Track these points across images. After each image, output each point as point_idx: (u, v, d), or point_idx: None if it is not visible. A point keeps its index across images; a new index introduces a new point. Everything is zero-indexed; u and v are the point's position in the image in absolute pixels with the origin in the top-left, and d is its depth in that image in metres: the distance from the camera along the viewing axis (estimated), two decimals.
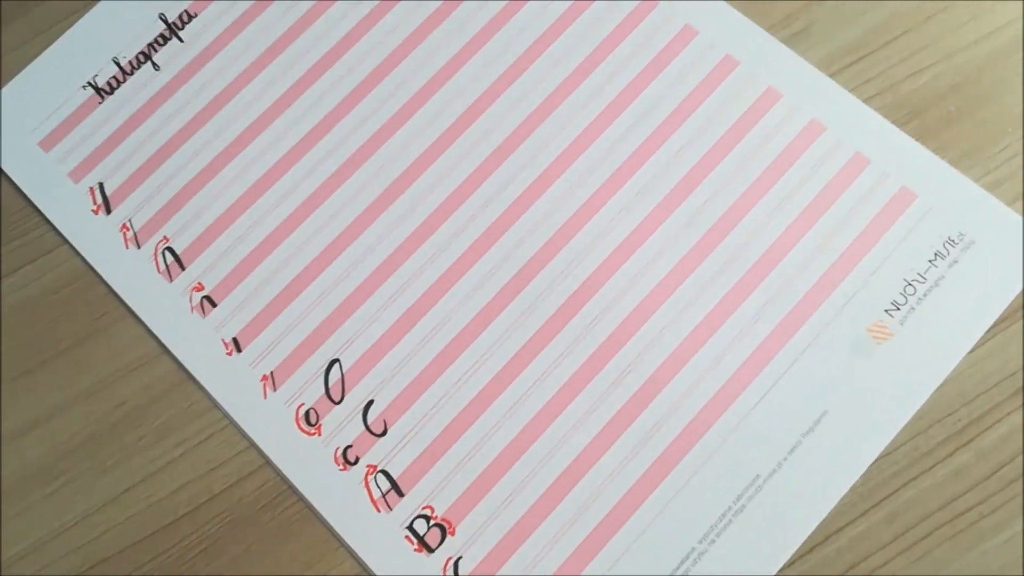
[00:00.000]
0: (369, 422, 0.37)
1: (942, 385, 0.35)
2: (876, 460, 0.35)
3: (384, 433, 0.37)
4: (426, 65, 0.41)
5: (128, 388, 0.38)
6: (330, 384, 0.37)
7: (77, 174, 0.41)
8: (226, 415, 0.38)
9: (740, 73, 0.39)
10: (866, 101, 0.39)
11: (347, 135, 0.40)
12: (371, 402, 0.37)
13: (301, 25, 0.42)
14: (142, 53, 0.42)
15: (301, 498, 0.36)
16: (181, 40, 0.42)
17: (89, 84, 0.42)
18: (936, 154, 0.38)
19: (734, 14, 0.40)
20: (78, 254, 0.40)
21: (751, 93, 0.39)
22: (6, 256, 0.41)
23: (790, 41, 0.40)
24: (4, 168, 0.41)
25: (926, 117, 0.39)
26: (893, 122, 0.38)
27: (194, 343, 0.38)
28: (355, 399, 0.37)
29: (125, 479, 0.38)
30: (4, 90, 0.42)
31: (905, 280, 0.37)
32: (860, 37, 0.40)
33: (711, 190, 0.38)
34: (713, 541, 0.34)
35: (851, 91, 0.39)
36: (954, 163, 0.38)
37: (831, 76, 0.39)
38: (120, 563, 0.37)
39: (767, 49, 0.40)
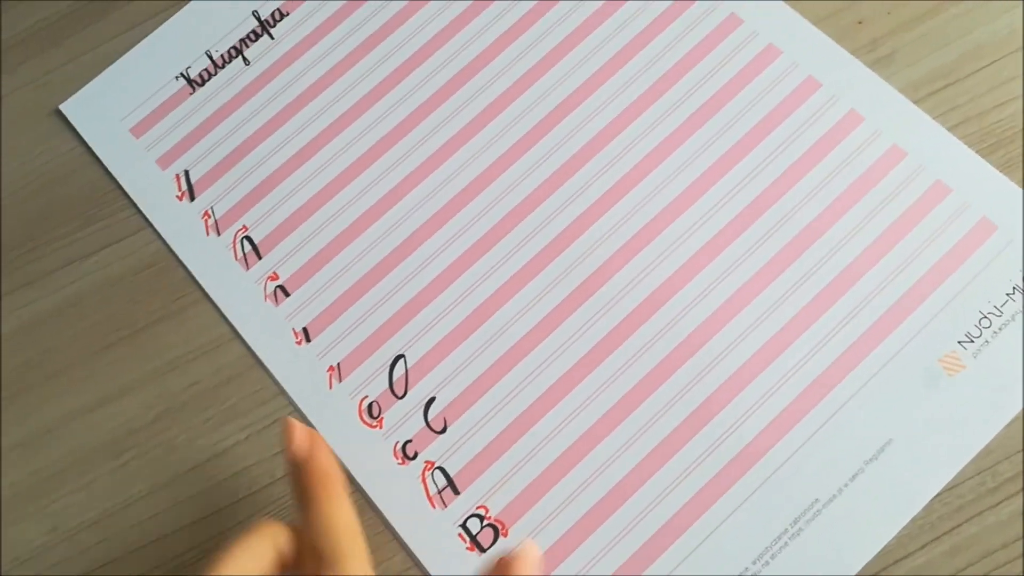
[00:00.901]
0: (430, 418, 0.37)
1: (1012, 421, 0.35)
2: (940, 493, 0.34)
3: (444, 430, 0.37)
4: (507, 71, 0.42)
5: (200, 370, 0.40)
6: (394, 379, 0.38)
7: (165, 160, 0.42)
8: (291, 402, 0.39)
9: (822, 94, 0.39)
10: (950, 129, 0.38)
11: (425, 137, 0.41)
12: (433, 399, 0.37)
13: (388, 28, 0.43)
14: (234, 48, 0.44)
15: (358, 488, 0.37)
16: (272, 37, 0.44)
17: (182, 75, 0.44)
18: (1020, 186, 0.37)
19: (819, 36, 0.40)
20: (160, 238, 0.41)
21: (833, 115, 0.39)
22: (92, 236, 0.42)
23: (875, 65, 0.40)
24: (96, 151, 0.43)
25: (1011, 148, 0.38)
26: (977, 152, 0.38)
27: (265, 330, 0.39)
28: (417, 395, 0.38)
29: (190, 458, 0.39)
30: (100, 77, 0.44)
31: (981, 312, 0.36)
32: (947, 65, 0.39)
33: (788, 208, 0.38)
34: (767, 563, 0.34)
35: (935, 118, 0.38)
36: None
37: (916, 103, 0.39)
38: (180, 540, 0.38)
39: (851, 72, 0.39)
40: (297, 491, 0.32)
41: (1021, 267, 0.36)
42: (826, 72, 0.39)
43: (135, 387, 0.40)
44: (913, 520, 0.34)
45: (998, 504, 0.34)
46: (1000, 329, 0.36)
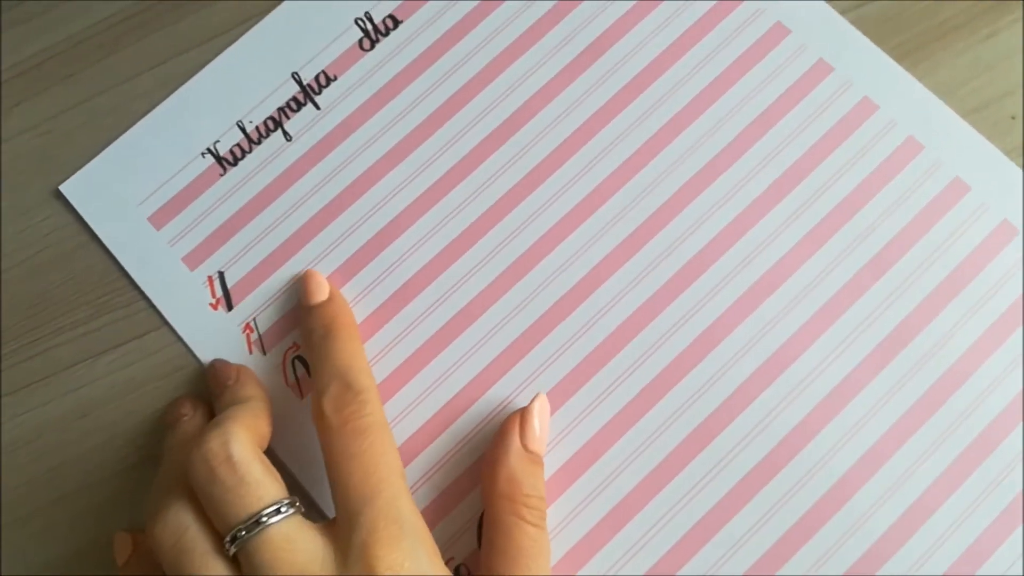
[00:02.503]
0: None
1: None
2: None
3: None
4: (588, 173, 0.35)
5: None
6: None
7: (193, 259, 0.35)
8: None
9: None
10: None
11: (494, 249, 0.35)
12: None
13: (466, 94, 0.36)
14: (271, 119, 0.36)
15: None
16: (318, 107, 0.36)
17: (209, 151, 0.36)
18: None
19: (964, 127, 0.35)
20: (195, 357, 0.35)
21: (984, 225, 0.34)
22: (106, 329, 0.35)
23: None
24: (109, 247, 0.36)
25: None
26: None
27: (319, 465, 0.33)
28: None
29: None
30: (108, 151, 0.37)
31: None
32: None
33: (941, 333, 0.33)
34: None
35: None
36: None
37: None
38: None
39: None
40: (318, 330, 0.32)
41: None
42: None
43: None
44: None
45: None
46: None
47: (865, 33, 0.36)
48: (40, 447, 0.35)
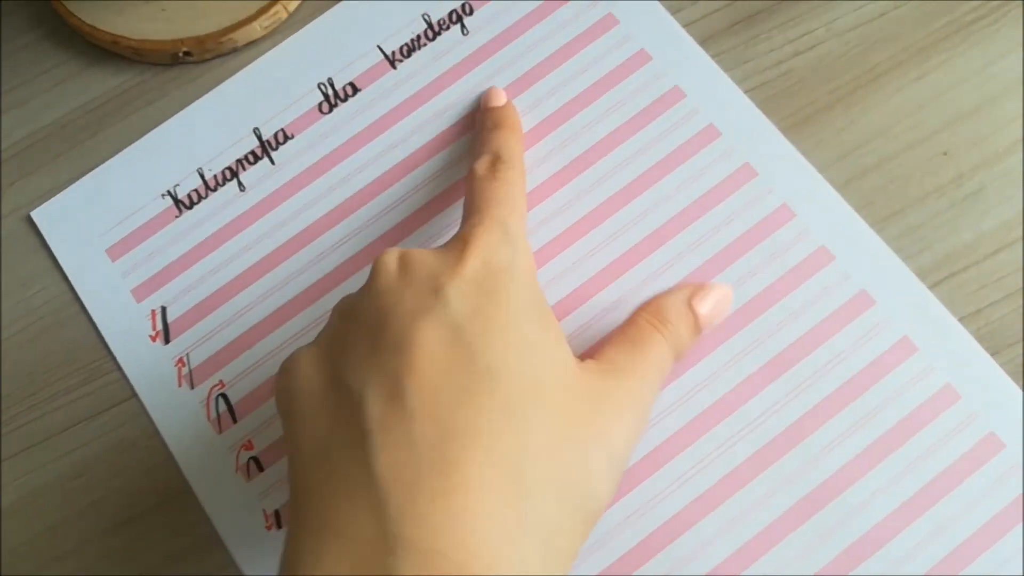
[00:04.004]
0: None
1: None
2: None
3: None
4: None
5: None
6: None
7: (141, 292, 0.38)
8: None
9: (876, 313, 0.35)
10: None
11: None
12: None
13: (408, 164, 0.39)
14: (229, 169, 0.39)
15: None
16: (272, 162, 0.39)
17: (168, 193, 0.39)
18: None
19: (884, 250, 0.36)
20: (129, 384, 0.37)
21: (887, 339, 0.35)
22: (99, 391, 0.38)
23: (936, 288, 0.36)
24: (65, 269, 0.39)
25: None
26: None
27: (233, 508, 0.35)
28: None
29: None
30: (78, 184, 0.40)
31: None
32: None
33: (823, 444, 0.34)
34: None
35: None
36: None
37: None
38: None
39: (910, 296, 0.36)
40: (487, 123, 0.37)
41: None
42: (883, 290, 0.36)
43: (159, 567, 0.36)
44: None
45: None
46: None
47: (795, 83, 0.39)
48: (39, 507, 0.37)
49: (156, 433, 0.37)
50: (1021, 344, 0.35)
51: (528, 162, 0.37)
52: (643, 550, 0.33)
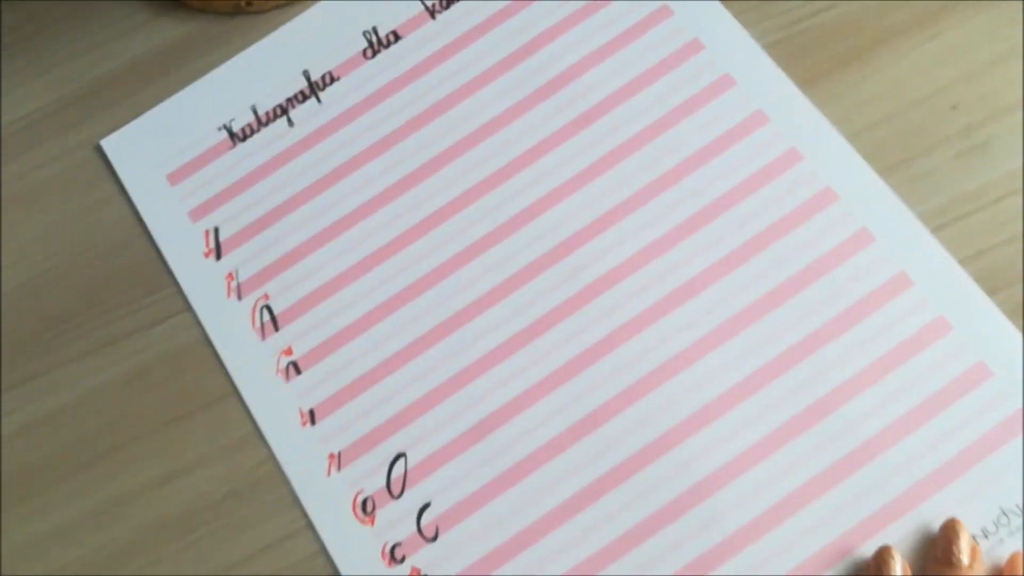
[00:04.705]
0: (423, 525, 0.37)
1: None
2: None
3: (435, 539, 0.37)
4: (569, 162, 0.41)
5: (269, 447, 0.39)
6: (392, 477, 0.38)
7: (197, 214, 0.42)
8: (286, 480, 0.38)
9: (875, 249, 0.38)
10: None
11: (462, 228, 0.40)
12: (428, 504, 0.37)
13: (440, 107, 0.42)
14: (280, 106, 0.43)
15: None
16: (319, 101, 0.43)
17: (224, 127, 0.43)
18: None
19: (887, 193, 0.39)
20: (183, 294, 0.41)
21: (883, 273, 0.37)
22: (159, 304, 0.41)
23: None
24: (129, 193, 0.43)
25: None
26: None
27: (273, 405, 0.39)
28: (413, 498, 0.37)
29: (262, 538, 0.38)
30: (143, 117, 0.44)
31: (1001, 509, 0.34)
32: None
33: (821, 365, 0.37)
34: None
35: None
36: None
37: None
38: None
39: (909, 234, 0.38)
40: None
41: None
42: (881, 226, 0.38)
43: (205, 463, 0.39)
44: None
45: None
46: (1017, 529, 0.34)
47: (814, 39, 0.41)
48: (98, 406, 0.40)
49: (207, 341, 0.40)
50: (1019, 285, 0.37)
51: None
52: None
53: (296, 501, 0.38)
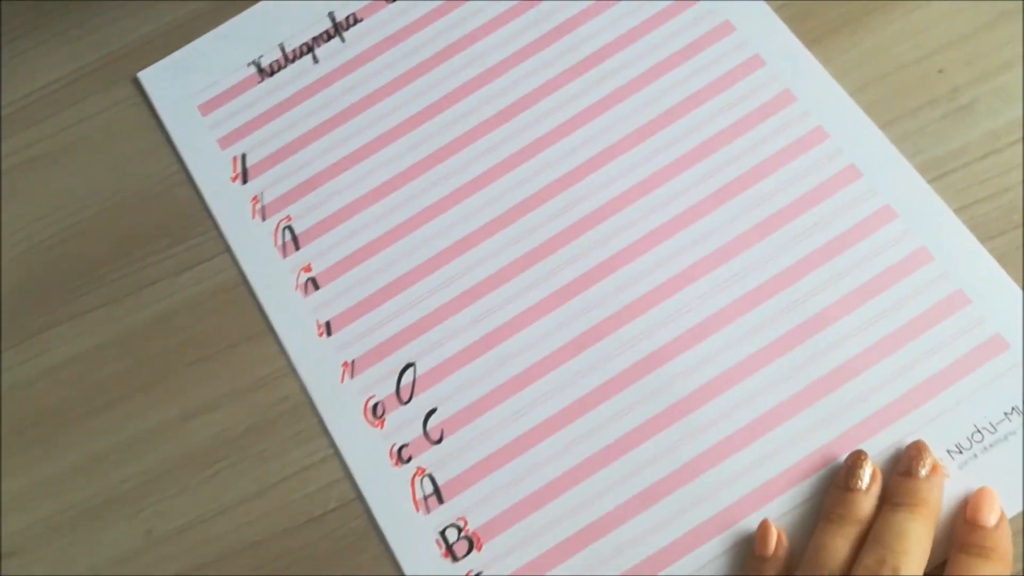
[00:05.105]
0: (428, 428, 0.39)
1: None
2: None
3: (440, 441, 0.39)
4: (569, 104, 0.43)
5: (289, 386, 0.41)
6: (402, 385, 0.40)
7: (226, 141, 0.45)
8: (303, 388, 0.41)
9: (861, 185, 0.40)
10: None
11: (472, 159, 0.43)
12: (434, 410, 0.39)
13: (453, 49, 0.45)
14: (306, 45, 0.46)
15: (351, 479, 0.39)
16: (343, 40, 0.46)
17: (254, 63, 0.46)
18: None
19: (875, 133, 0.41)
20: (211, 214, 0.44)
21: (867, 207, 0.40)
22: (185, 252, 0.44)
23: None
24: (164, 121, 0.46)
25: None
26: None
27: (292, 317, 0.42)
28: (420, 404, 0.40)
29: (279, 471, 0.40)
30: (178, 53, 0.47)
31: (975, 426, 0.36)
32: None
33: (806, 290, 0.39)
34: None
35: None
36: None
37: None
38: (269, 548, 0.39)
39: (890, 166, 0.40)
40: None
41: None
42: (868, 161, 0.40)
43: (227, 400, 0.42)
44: None
45: None
46: (991, 446, 0.36)
47: (810, 7, 0.43)
48: (131, 345, 0.43)
49: (232, 286, 0.43)
50: (1000, 238, 0.39)
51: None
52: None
53: (313, 434, 0.40)
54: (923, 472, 0.35)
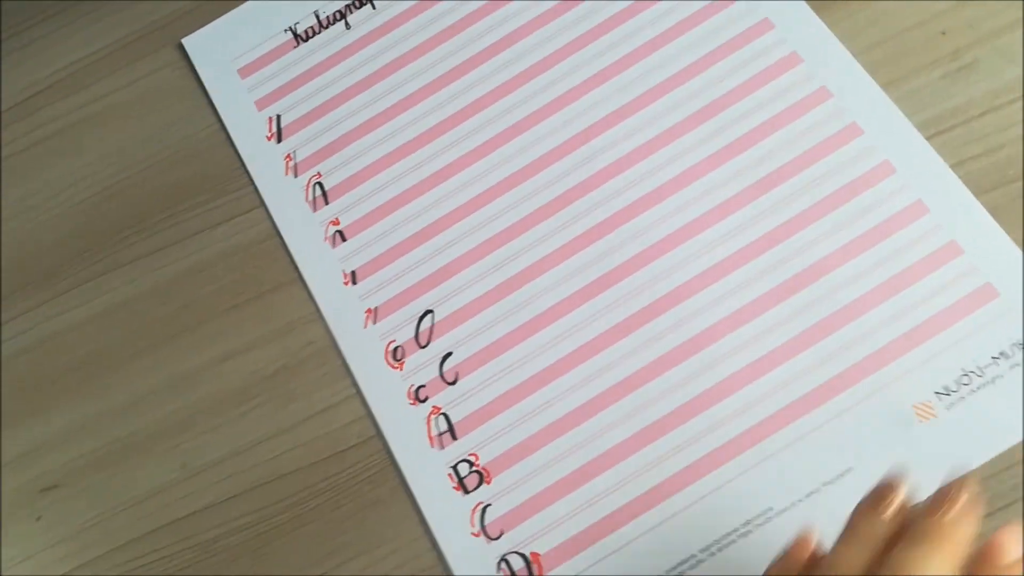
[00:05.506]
0: (444, 370, 0.42)
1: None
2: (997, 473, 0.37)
3: (454, 382, 0.42)
4: (584, 66, 0.46)
5: (316, 331, 0.44)
6: (420, 330, 0.43)
7: (263, 103, 0.48)
8: (328, 331, 0.44)
9: (861, 142, 0.41)
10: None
11: (493, 119, 0.45)
12: (450, 354, 0.42)
13: (477, 14, 0.47)
14: (339, 12, 0.49)
15: (371, 417, 0.42)
16: (374, 7, 0.48)
17: (290, 29, 0.49)
18: None
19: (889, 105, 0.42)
20: (247, 171, 0.47)
21: (867, 163, 0.41)
22: (223, 207, 0.47)
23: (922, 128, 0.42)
24: (205, 83, 0.49)
25: None
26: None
27: (320, 266, 0.45)
28: (438, 347, 0.42)
29: (307, 408, 0.43)
30: (220, 20, 0.50)
31: (963, 370, 0.38)
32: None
33: (808, 240, 0.41)
34: (713, 554, 0.37)
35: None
36: None
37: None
38: (297, 480, 0.42)
39: (890, 123, 0.42)
40: None
41: (1012, 336, 0.38)
42: (868, 119, 0.42)
43: (259, 344, 0.44)
44: None
45: None
46: (978, 388, 0.38)
47: None
48: (171, 294, 0.46)
49: (265, 237, 0.46)
50: (997, 191, 0.40)
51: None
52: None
53: (338, 376, 0.43)
54: (949, 516, 0.32)
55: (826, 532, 0.36)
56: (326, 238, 0.45)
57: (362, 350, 0.43)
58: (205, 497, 0.43)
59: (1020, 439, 0.37)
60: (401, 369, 0.42)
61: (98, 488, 0.44)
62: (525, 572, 0.38)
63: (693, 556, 0.38)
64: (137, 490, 0.43)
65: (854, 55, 0.43)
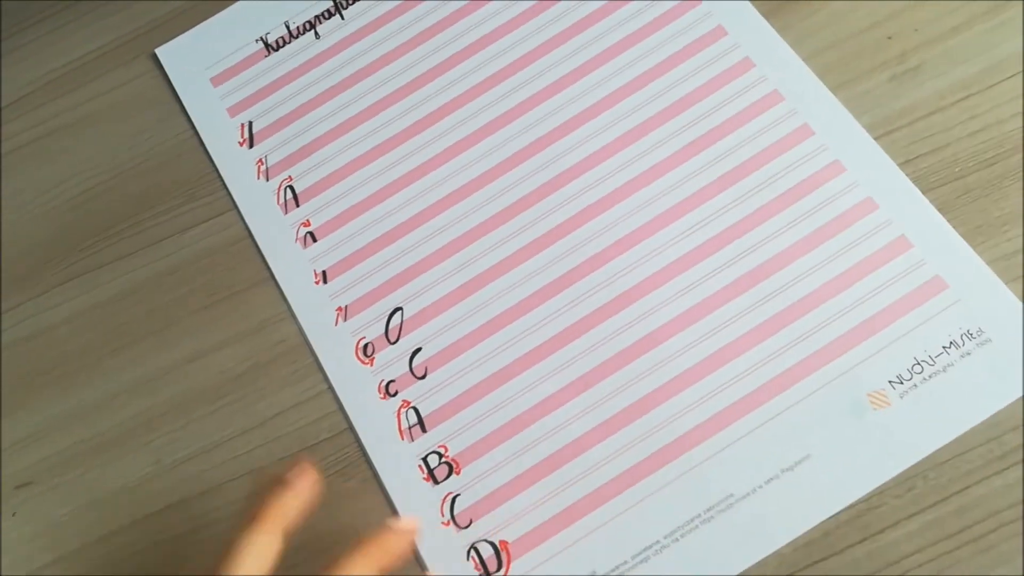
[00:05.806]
0: (413, 365, 0.43)
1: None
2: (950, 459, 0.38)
3: (423, 377, 0.43)
4: (545, 73, 0.47)
5: (287, 329, 0.45)
6: (390, 327, 0.44)
7: (235, 110, 0.49)
8: (300, 330, 0.44)
9: (813, 142, 0.43)
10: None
11: (455, 125, 0.47)
12: (419, 349, 0.43)
13: (444, 23, 0.49)
14: (309, 22, 0.50)
15: (343, 412, 0.43)
16: (343, 18, 0.50)
17: (261, 39, 0.50)
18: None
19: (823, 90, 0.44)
20: (220, 177, 0.48)
21: (818, 162, 0.43)
22: (193, 211, 0.48)
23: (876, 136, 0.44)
24: (179, 93, 0.50)
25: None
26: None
27: (292, 267, 0.46)
28: (407, 343, 0.43)
29: (277, 405, 0.44)
30: (193, 31, 0.51)
31: (915, 359, 0.39)
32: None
33: (762, 236, 0.42)
34: (677, 540, 0.38)
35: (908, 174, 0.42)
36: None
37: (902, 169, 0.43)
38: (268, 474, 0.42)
39: (840, 125, 0.43)
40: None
41: (962, 326, 0.39)
42: (818, 120, 0.43)
43: (230, 343, 0.45)
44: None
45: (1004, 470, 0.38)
46: (929, 377, 0.39)
47: None
48: (141, 296, 0.47)
49: (237, 240, 0.47)
50: (943, 188, 0.42)
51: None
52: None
53: (309, 372, 0.44)
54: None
55: (782, 516, 0.38)
56: (297, 239, 0.46)
57: (333, 347, 0.44)
58: (178, 492, 0.43)
59: (970, 427, 0.38)
60: (371, 365, 0.43)
61: (72, 484, 0.44)
62: (494, 560, 0.39)
63: (657, 542, 0.39)
64: (110, 486, 0.44)
65: (804, 59, 0.45)
